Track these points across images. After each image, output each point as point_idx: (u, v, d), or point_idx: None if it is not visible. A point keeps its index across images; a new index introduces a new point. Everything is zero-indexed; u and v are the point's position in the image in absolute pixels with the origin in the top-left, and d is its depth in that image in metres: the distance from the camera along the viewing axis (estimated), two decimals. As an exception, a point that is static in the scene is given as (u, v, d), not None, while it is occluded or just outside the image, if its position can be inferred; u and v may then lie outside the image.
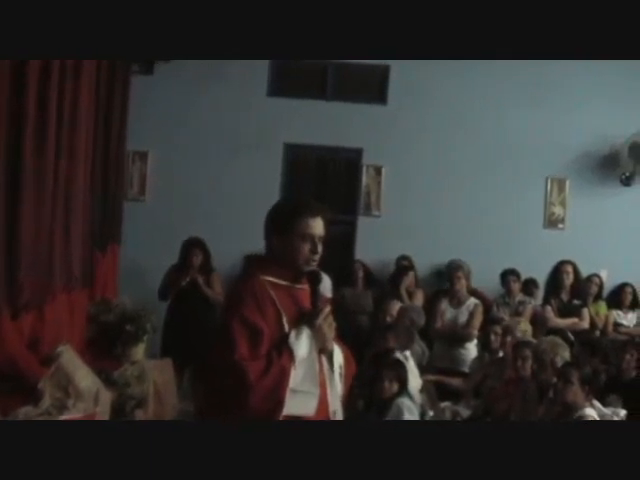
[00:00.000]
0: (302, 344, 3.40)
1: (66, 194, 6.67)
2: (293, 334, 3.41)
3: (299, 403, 3.35)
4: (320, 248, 3.52)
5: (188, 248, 8.86)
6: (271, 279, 3.45)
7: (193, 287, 8.67)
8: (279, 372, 3.30)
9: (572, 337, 8.48)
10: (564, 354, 6.28)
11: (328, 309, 3.55)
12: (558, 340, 6.55)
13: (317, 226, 3.51)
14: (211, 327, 7.53)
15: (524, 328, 7.27)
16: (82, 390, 5.66)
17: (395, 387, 5.94)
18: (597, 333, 9.33)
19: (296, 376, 3.34)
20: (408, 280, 9.33)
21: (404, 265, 9.69)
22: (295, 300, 3.52)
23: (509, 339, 7.09)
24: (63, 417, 5.34)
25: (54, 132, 6.34)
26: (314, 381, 3.40)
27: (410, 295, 9.10)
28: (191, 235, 9.11)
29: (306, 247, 3.47)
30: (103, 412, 5.82)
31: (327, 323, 3.50)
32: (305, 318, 3.49)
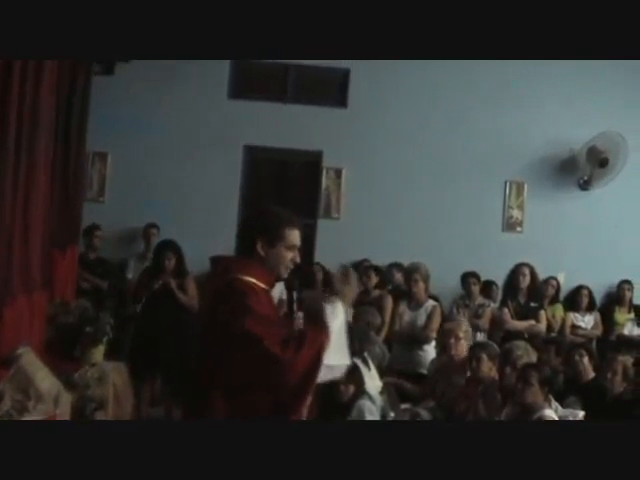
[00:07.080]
0: (337, 317, 3.55)
1: (25, 195, 6.60)
2: (329, 308, 3.56)
3: (329, 374, 3.52)
4: (299, 257, 3.75)
5: (160, 251, 8.35)
6: (252, 280, 3.55)
7: (166, 291, 8.18)
8: (316, 350, 3.41)
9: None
10: (532, 359, 6.38)
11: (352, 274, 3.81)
12: (528, 346, 6.64)
13: (299, 238, 3.73)
14: (185, 332, 7.50)
15: (465, 329, 7.35)
16: (43, 392, 5.61)
17: (351, 390, 5.91)
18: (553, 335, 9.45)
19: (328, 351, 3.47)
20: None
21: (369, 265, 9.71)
22: (271, 302, 3.65)
23: (452, 341, 7.15)
24: (23, 419, 5.30)
25: (14, 132, 6.28)
26: (344, 352, 3.57)
27: (379, 299, 9.08)
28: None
29: (289, 256, 3.68)
30: (63, 414, 5.77)
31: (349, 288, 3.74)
32: (332, 289, 3.75)
